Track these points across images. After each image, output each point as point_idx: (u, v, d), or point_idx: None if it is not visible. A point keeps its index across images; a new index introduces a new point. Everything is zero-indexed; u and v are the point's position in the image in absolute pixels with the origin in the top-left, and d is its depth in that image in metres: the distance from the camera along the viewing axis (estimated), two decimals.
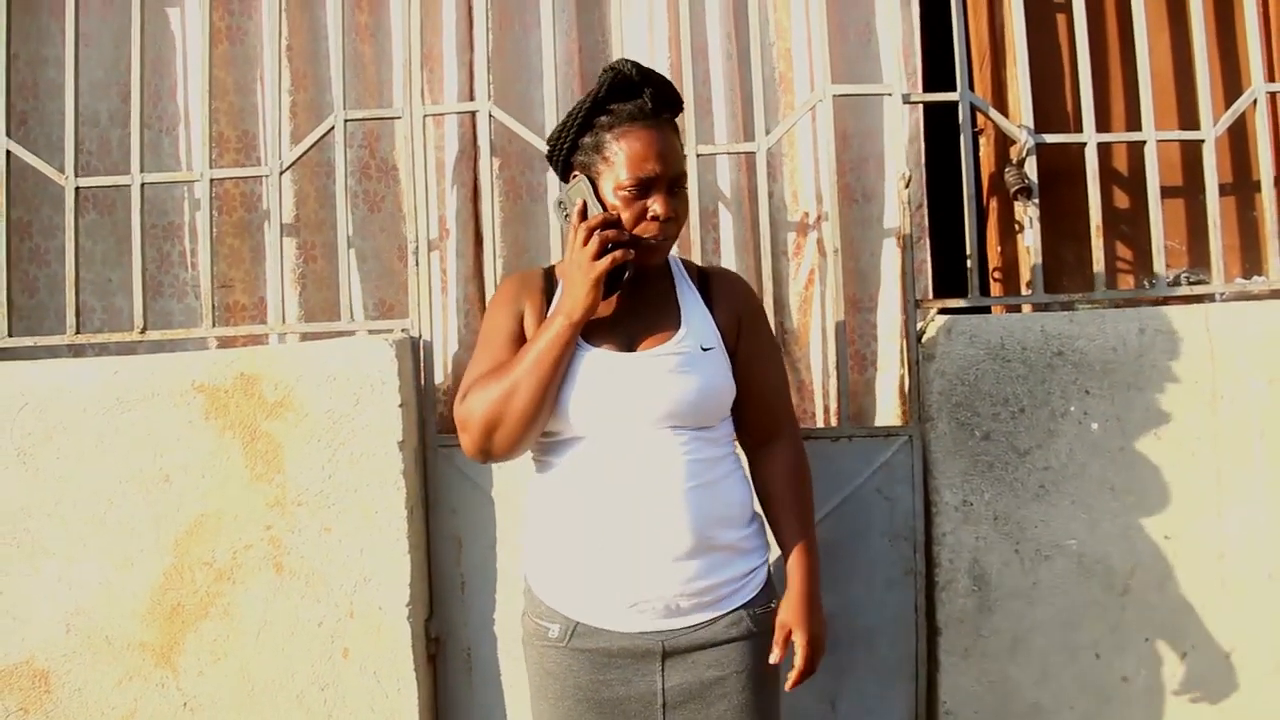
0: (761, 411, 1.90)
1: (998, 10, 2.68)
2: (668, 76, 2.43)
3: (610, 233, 1.71)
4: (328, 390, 2.30)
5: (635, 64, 1.75)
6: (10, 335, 2.45)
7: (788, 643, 1.81)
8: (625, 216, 1.73)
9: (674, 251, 2.25)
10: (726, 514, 1.78)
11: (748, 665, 1.77)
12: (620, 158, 1.72)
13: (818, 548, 1.89)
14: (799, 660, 1.82)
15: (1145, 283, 2.60)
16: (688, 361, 1.76)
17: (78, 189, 2.45)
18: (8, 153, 2.44)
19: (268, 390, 2.30)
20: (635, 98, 1.74)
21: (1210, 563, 2.32)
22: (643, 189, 1.72)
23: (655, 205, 1.73)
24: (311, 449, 2.30)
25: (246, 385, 2.31)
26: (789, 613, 1.82)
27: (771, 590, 1.86)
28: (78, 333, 2.45)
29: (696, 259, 2.38)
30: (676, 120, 1.83)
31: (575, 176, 1.78)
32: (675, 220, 1.77)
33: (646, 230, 1.74)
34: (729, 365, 1.82)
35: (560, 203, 1.78)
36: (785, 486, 1.89)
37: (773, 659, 1.80)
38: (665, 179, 1.73)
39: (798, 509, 1.88)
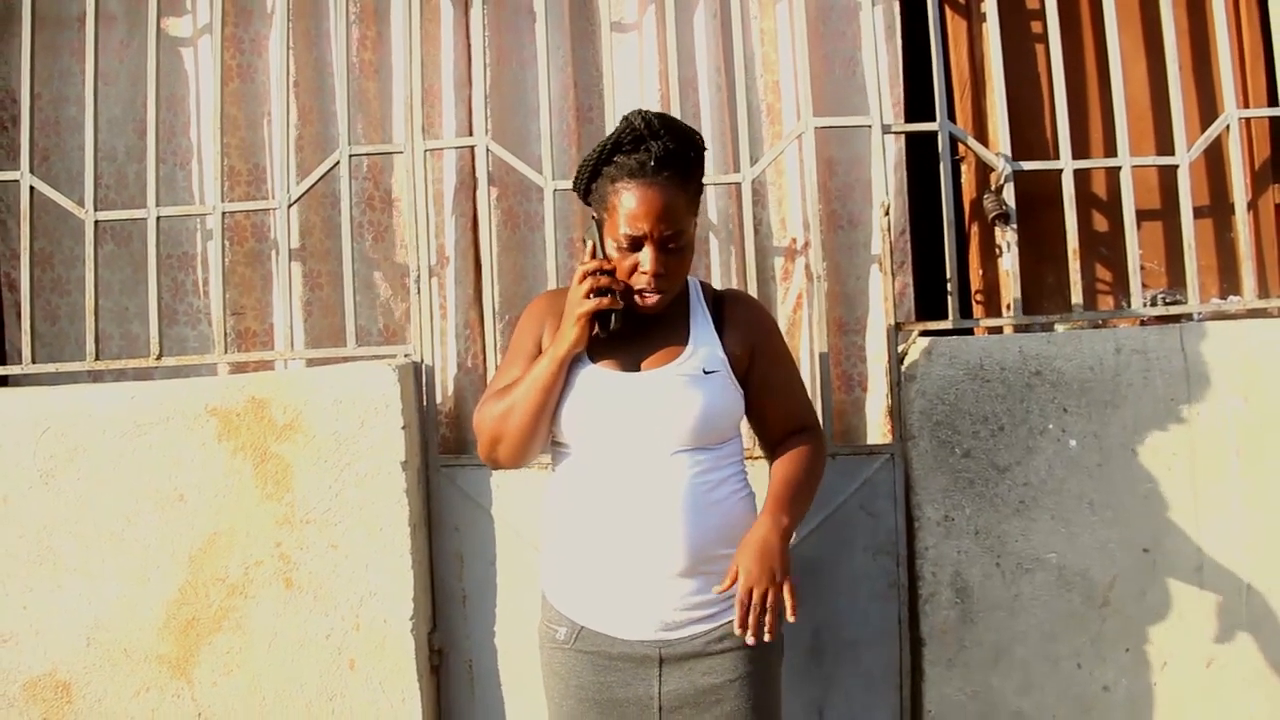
0: (779, 427, 1.98)
1: (977, 42, 2.76)
2: (658, 109, 2.53)
3: (603, 280, 1.80)
4: (334, 413, 2.39)
5: (646, 118, 1.79)
6: (34, 362, 2.56)
7: (734, 580, 1.75)
8: (621, 266, 1.81)
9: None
10: (726, 534, 1.84)
11: (742, 674, 1.84)
12: (617, 212, 1.79)
13: (796, 506, 1.86)
14: (737, 594, 1.75)
15: (1124, 303, 2.67)
16: (688, 384, 1.84)
17: (97, 222, 2.57)
18: (31, 188, 2.56)
19: (277, 413, 2.41)
20: (642, 151, 1.78)
21: (1188, 575, 2.39)
22: (635, 245, 1.79)
23: (645, 261, 1.79)
24: (319, 469, 2.40)
25: (257, 409, 2.41)
26: (739, 549, 1.78)
27: None
28: (97, 359, 2.56)
29: None
30: (694, 170, 1.85)
31: (594, 217, 1.87)
32: (666, 276, 1.81)
33: (638, 283, 1.81)
34: (734, 389, 1.89)
35: (584, 240, 1.88)
36: (783, 460, 1.92)
37: (717, 588, 1.78)
38: (656, 238, 1.78)
39: (784, 474, 1.89)
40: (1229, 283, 2.78)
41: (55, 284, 2.72)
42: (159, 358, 2.55)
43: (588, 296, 1.79)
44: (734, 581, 1.75)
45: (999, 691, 2.40)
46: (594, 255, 1.84)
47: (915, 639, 2.43)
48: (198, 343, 2.73)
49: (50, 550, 2.43)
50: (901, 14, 2.68)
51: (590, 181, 1.86)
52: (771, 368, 1.95)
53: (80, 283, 2.65)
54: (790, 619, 1.77)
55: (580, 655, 1.86)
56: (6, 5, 2.68)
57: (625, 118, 1.81)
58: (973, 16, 2.78)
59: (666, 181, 1.78)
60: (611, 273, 1.81)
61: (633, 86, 2.69)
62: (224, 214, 2.58)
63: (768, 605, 1.74)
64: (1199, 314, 2.59)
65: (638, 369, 1.87)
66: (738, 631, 1.74)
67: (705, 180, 2.54)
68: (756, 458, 2.37)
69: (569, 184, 2.50)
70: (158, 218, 2.56)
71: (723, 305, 1.97)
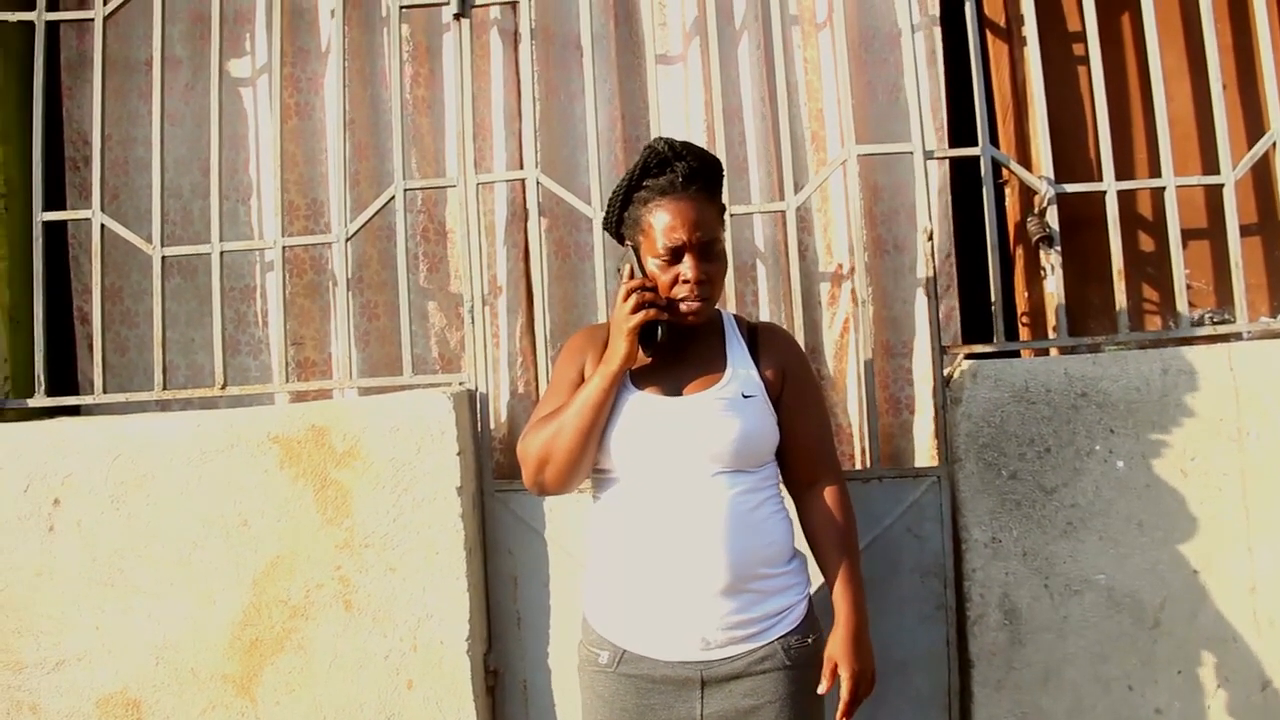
0: (804, 457, 2.03)
1: (1019, 65, 2.78)
2: (704, 139, 2.60)
3: (648, 295, 1.87)
4: (391, 440, 2.47)
5: (669, 141, 1.90)
6: (105, 392, 2.66)
7: (834, 676, 1.92)
8: (662, 281, 1.89)
9: (731, 307, 2.40)
10: (765, 553, 1.90)
11: (782, 695, 1.88)
12: (653, 229, 1.88)
13: (863, 584, 1.99)
14: (844, 693, 1.92)
15: (1171, 324, 2.67)
16: (729, 407, 1.90)
17: (163, 257, 2.67)
18: (102, 225, 2.67)
19: (337, 441, 2.48)
20: (669, 172, 1.89)
21: (1242, 596, 2.38)
22: (675, 256, 1.88)
23: (686, 270, 1.87)
24: (377, 495, 2.47)
25: (317, 436, 2.49)
26: (834, 647, 1.93)
27: (811, 623, 1.96)
28: (164, 389, 2.65)
29: (733, 310, 2.52)
30: (718, 186, 1.96)
31: (627, 244, 1.95)
32: (708, 282, 1.90)
33: (680, 293, 1.89)
34: (771, 413, 1.96)
35: (618, 269, 1.96)
36: (828, 528, 2.00)
37: (820, 689, 1.92)
38: (695, 246, 1.87)
39: (840, 549, 1.99)
40: (1279, 301, 2.76)
41: (125, 316, 2.83)
42: (223, 387, 2.65)
43: (634, 312, 1.86)
44: (834, 677, 1.92)
45: (1049, 713, 2.40)
46: (632, 276, 1.91)
47: (964, 660, 2.44)
48: (259, 372, 2.82)
49: (121, 572, 2.52)
50: (943, 40, 2.72)
51: (622, 210, 1.96)
52: (801, 395, 2.02)
53: (148, 315, 2.75)
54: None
55: (623, 679, 1.90)
56: (79, 52, 2.81)
57: (648, 145, 1.91)
58: (1014, 40, 2.80)
59: (696, 194, 1.89)
60: (654, 289, 1.88)
61: (679, 117, 2.74)
62: (284, 248, 2.67)
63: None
64: (1248, 333, 2.58)
65: (680, 394, 1.93)
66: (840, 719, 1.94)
67: (750, 210, 2.62)
68: None
69: None
70: (221, 252, 2.66)
71: (756, 334, 2.05)
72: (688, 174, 1.88)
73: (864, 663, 1.94)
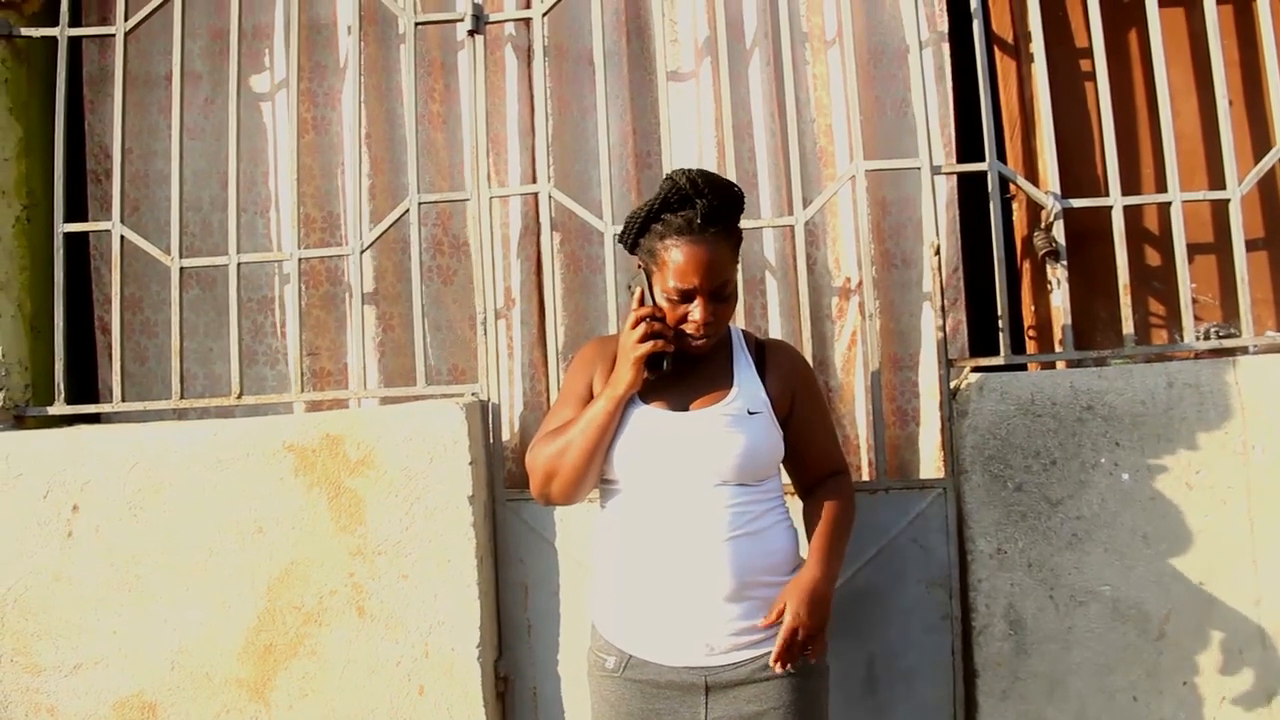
0: (814, 469, 2.09)
1: (1026, 82, 2.81)
2: (714, 154, 2.63)
3: (656, 325, 1.90)
4: (405, 450, 2.50)
5: (690, 177, 1.86)
6: (124, 400, 2.71)
7: (779, 616, 1.87)
8: (670, 315, 1.91)
9: (740, 321, 2.47)
10: (768, 562, 1.93)
11: (785, 702, 1.91)
12: (666, 267, 1.88)
13: (840, 556, 1.99)
14: (782, 631, 1.86)
15: (1177, 337, 2.69)
16: (733, 423, 1.93)
17: (182, 269, 2.71)
18: (122, 237, 2.71)
19: (351, 450, 2.52)
20: (688, 209, 1.86)
21: (1247, 608, 2.39)
22: (685, 296, 1.89)
23: (695, 311, 1.89)
24: (390, 503, 2.50)
25: (332, 445, 2.52)
26: (788, 590, 1.90)
27: None
28: (182, 398, 2.69)
29: (743, 324, 2.56)
30: (736, 222, 1.94)
31: (640, 267, 1.97)
32: (715, 323, 1.91)
33: (687, 329, 1.91)
34: (775, 429, 1.99)
35: (629, 287, 1.98)
36: (822, 510, 2.02)
37: (760, 623, 1.88)
38: (706, 290, 1.88)
39: (827, 525, 2.00)
40: None
41: (144, 326, 2.88)
42: (239, 396, 2.69)
43: (641, 341, 1.89)
44: (779, 617, 1.87)
45: None
46: (642, 302, 1.94)
47: (969, 671, 2.46)
48: (276, 382, 2.86)
49: (138, 578, 2.55)
50: (951, 56, 2.75)
51: (638, 236, 1.95)
52: (811, 413, 2.06)
53: (167, 325, 2.80)
54: (810, 661, 1.92)
55: (629, 683, 1.94)
56: (101, 67, 2.87)
57: (669, 177, 1.88)
58: (1021, 57, 2.83)
59: (713, 237, 1.87)
60: (662, 318, 1.91)
61: (690, 133, 2.78)
62: (300, 260, 2.71)
63: (808, 647, 1.89)
64: (1254, 347, 2.59)
65: (686, 409, 1.96)
66: (773, 664, 1.87)
67: (761, 223, 2.65)
68: (792, 493, 2.43)
69: None
70: (238, 264, 2.70)
71: (764, 352, 2.07)
72: (706, 214, 1.85)
73: (810, 612, 1.87)
